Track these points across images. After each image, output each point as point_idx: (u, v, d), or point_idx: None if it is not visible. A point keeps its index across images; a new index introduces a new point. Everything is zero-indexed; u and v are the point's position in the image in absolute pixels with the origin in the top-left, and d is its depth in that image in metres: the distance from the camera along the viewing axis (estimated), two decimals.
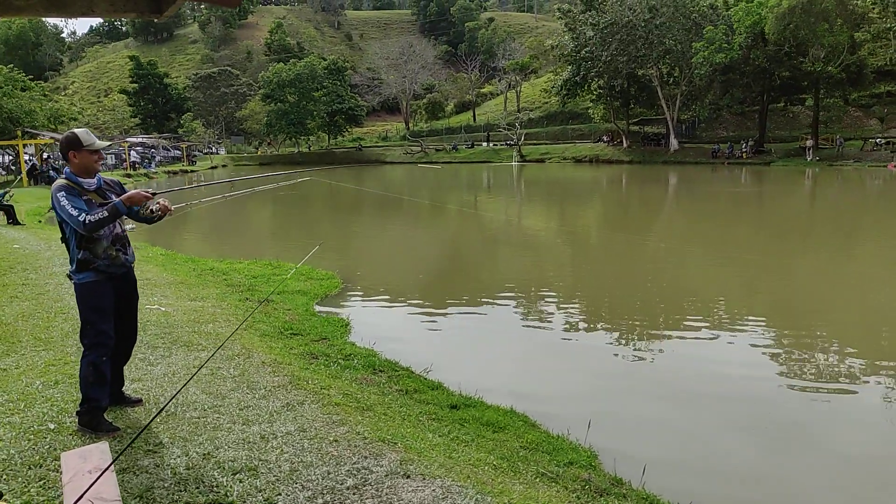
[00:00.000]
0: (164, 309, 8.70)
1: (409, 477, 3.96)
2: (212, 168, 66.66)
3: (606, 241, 18.74)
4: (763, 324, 9.82)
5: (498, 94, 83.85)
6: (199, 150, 78.59)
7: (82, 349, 4.57)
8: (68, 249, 4.61)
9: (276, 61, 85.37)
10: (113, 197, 4.64)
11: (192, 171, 61.23)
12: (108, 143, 5.14)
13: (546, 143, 66.97)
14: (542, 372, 7.95)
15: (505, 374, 7.74)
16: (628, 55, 53.80)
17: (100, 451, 3.46)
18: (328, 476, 3.97)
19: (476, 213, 26.07)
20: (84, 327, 4.56)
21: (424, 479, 3.94)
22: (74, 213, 4.34)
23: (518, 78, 75.36)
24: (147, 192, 4.61)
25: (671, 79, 56.45)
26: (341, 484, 3.88)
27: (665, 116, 56.77)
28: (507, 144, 67.72)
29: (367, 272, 13.77)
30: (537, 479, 4.47)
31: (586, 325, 9.96)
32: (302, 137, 76.34)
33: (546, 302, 11.42)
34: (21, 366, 6.14)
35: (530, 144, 66.43)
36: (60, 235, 4.74)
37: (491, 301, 11.39)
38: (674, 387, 7.30)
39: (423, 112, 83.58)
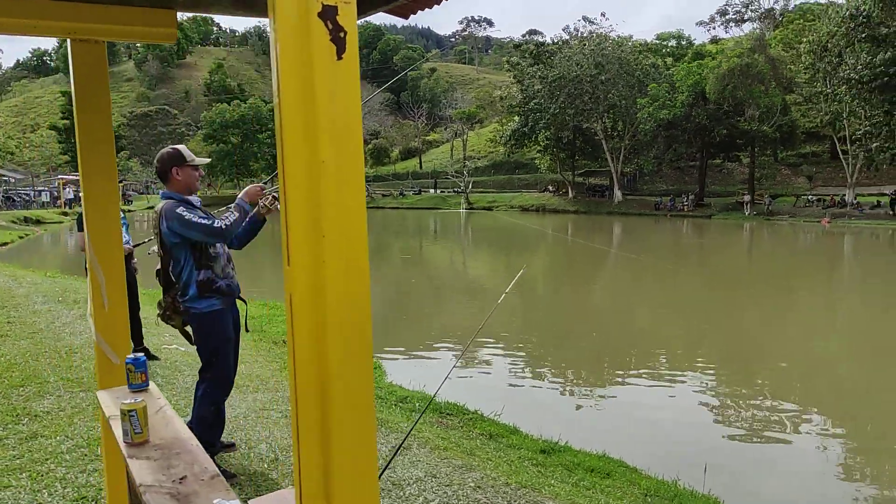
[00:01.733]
0: (183, 349, 8.16)
1: None
2: (148, 208, 64.74)
3: (554, 290, 18.78)
4: (711, 372, 9.88)
5: (444, 142, 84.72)
6: (134, 190, 76.32)
7: (203, 386, 4.14)
8: (178, 279, 4.18)
9: (216, 102, 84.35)
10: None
11: (129, 211, 59.33)
12: (208, 160, 4.78)
13: (493, 192, 67.72)
14: (591, 416, 7.74)
15: (562, 416, 7.48)
16: (575, 108, 55.24)
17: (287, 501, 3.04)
18: None
19: (449, 260, 25.89)
20: (210, 362, 4.14)
21: None
22: (207, 221, 3.98)
23: (464, 127, 76.37)
24: (259, 185, 4.31)
25: (615, 133, 58.14)
26: None
27: (609, 168, 58.26)
28: (454, 192, 68.18)
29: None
30: None
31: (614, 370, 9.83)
32: (245, 179, 75.14)
33: (554, 349, 11.26)
34: (66, 408, 5.58)
35: (477, 192, 67.05)
36: (157, 267, 4.34)
37: (499, 345, 11.17)
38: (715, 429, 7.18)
39: (369, 157, 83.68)
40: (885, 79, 39.18)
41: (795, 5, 66.10)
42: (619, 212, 55.00)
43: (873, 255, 28.95)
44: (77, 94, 2.81)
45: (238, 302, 4.43)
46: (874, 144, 41.58)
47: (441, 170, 73.61)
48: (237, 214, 4.10)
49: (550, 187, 64.57)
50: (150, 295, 11.78)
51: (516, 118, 62.29)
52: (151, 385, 2.84)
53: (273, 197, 4.41)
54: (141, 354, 2.88)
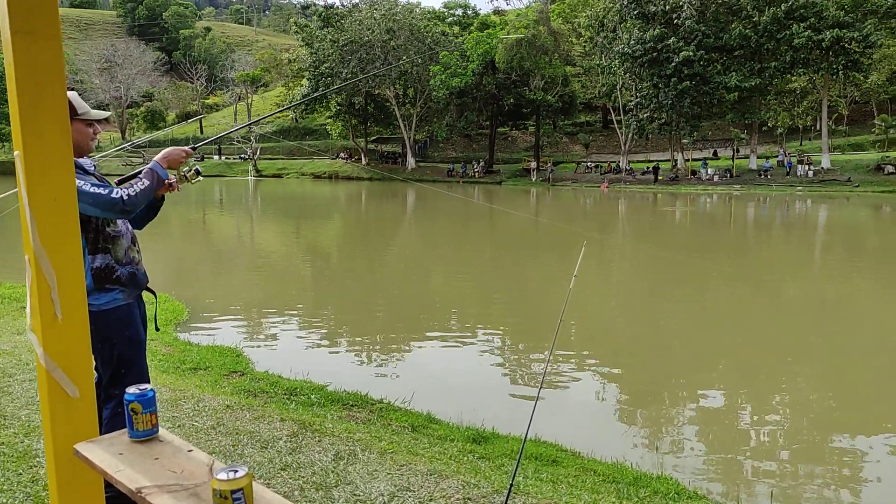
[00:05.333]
0: (3, 347, 6.58)
1: None
2: None
3: (361, 257, 18.49)
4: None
5: (226, 106, 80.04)
6: None
7: (112, 406, 3.10)
8: None
9: None
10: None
11: None
12: (108, 113, 3.59)
13: (282, 159, 65.30)
14: (459, 387, 7.33)
15: (437, 393, 6.97)
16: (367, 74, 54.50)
17: None
18: None
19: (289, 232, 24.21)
20: (118, 371, 3.11)
21: None
22: (103, 191, 2.93)
23: (248, 90, 72.65)
24: (186, 148, 3.29)
25: (407, 99, 58.26)
26: None
27: (402, 135, 58.42)
28: (241, 158, 64.90)
29: (190, 291, 11.93)
30: None
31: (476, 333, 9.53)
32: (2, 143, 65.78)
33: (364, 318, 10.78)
34: None
35: (266, 159, 64.37)
36: None
37: (327, 315, 10.48)
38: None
39: (142, 121, 76.72)
40: (654, 54, 42.70)
41: None
42: (413, 179, 55.42)
43: (646, 214, 31.62)
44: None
45: (145, 294, 3.40)
46: (644, 115, 45.32)
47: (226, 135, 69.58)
48: (147, 182, 3.09)
49: (343, 154, 63.56)
50: None
51: (305, 82, 60.26)
52: (162, 431, 1.89)
53: (196, 171, 3.40)
54: (148, 387, 1.91)
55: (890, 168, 40.29)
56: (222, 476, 1.43)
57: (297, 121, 69.20)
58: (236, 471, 1.46)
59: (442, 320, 10.93)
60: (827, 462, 5.70)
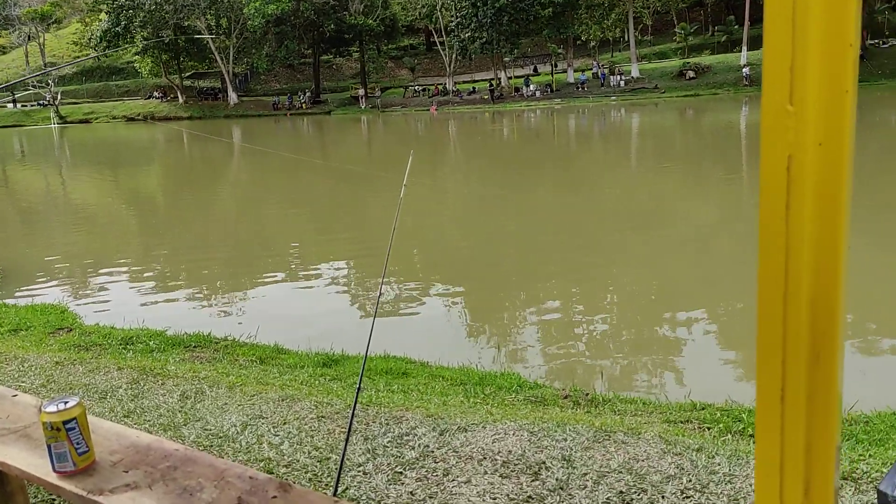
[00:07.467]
0: None
1: (465, 430, 3.35)
2: None
3: (184, 202, 17.81)
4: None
5: (15, 47, 71.86)
6: None
7: None
8: None
9: None
10: None
11: None
12: None
13: (88, 102, 60.09)
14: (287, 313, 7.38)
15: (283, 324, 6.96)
16: (174, 4, 50.68)
17: None
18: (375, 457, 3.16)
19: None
20: None
21: (485, 427, 3.39)
22: None
23: (38, 28, 65.52)
24: None
25: (221, 30, 54.94)
26: (404, 458, 3.12)
27: (220, 69, 55.37)
28: (39, 105, 59.03)
29: None
30: (528, 404, 4.18)
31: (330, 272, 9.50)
32: None
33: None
34: None
35: (69, 104, 58.95)
36: None
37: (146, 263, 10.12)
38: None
39: None
40: None
41: None
42: (237, 115, 53.05)
43: (476, 133, 32.41)
44: None
45: None
46: (466, 34, 45.59)
47: (18, 80, 62.73)
48: None
49: (157, 93, 59.38)
50: None
51: (104, 16, 55.13)
52: None
53: None
54: None
55: (690, 73, 43.41)
56: (51, 408, 1.37)
57: (99, 60, 63.50)
58: (66, 401, 1.40)
59: (282, 256, 10.79)
60: (650, 346, 6.28)
